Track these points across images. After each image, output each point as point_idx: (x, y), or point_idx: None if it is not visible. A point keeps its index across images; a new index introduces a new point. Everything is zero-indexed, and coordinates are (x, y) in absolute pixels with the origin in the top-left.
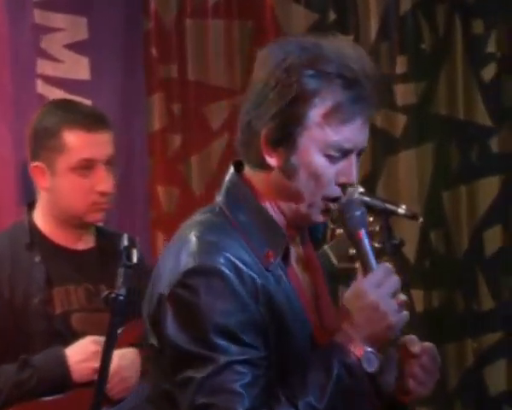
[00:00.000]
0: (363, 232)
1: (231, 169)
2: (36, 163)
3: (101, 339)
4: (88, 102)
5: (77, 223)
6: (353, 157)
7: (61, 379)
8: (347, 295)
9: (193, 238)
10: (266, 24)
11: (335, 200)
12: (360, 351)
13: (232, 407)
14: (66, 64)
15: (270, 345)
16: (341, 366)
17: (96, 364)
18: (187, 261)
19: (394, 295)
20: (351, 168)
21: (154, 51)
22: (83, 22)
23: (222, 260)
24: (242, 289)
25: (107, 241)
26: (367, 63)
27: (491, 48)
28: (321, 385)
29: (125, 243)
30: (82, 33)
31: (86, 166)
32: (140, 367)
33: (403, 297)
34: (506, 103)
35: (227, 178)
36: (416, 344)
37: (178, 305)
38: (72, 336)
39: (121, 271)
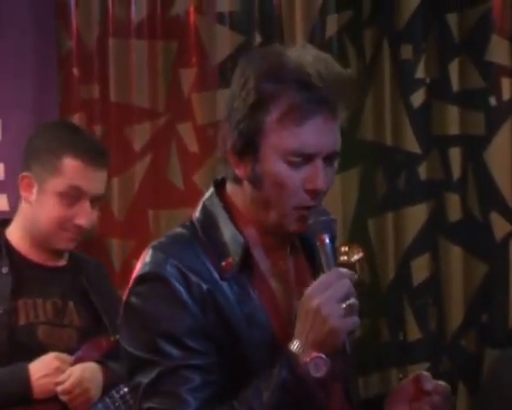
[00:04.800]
0: (326, 237)
1: (211, 187)
2: (26, 174)
3: (64, 356)
4: None
5: (46, 245)
6: (319, 162)
7: (22, 394)
8: (301, 299)
9: (150, 249)
10: (190, 45)
11: (307, 208)
12: (307, 356)
13: None
14: None
15: (221, 351)
16: (287, 370)
17: (57, 379)
18: (139, 269)
19: (342, 299)
20: (317, 174)
21: (74, 71)
22: None
23: (169, 268)
24: (188, 296)
25: (78, 262)
26: (326, 66)
27: (420, 73)
28: (265, 390)
29: None
30: None
31: (73, 196)
32: (102, 382)
33: (352, 302)
34: (435, 130)
35: (205, 195)
36: (428, 381)
37: (129, 311)
38: (37, 348)
39: None
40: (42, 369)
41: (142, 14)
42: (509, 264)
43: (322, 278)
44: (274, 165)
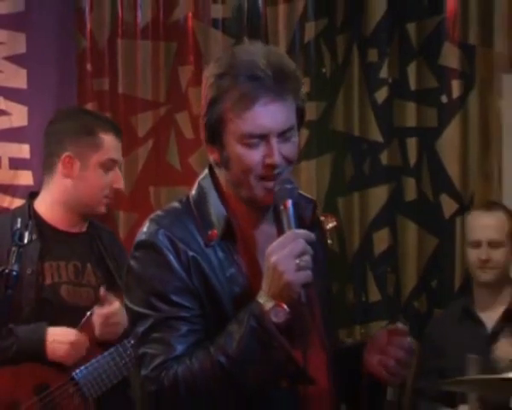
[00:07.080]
0: (290, 203)
1: (206, 168)
2: (67, 153)
3: (82, 340)
4: (24, 108)
5: (86, 212)
6: (273, 140)
7: (35, 352)
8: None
9: (148, 221)
10: (188, 46)
11: (271, 180)
12: (268, 305)
13: (162, 355)
14: (4, 74)
15: (204, 306)
16: (252, 317)
17: (68, 349)
18: (137, 237)
19: (297, 256)
20: (271, 150)
21: (88, 66)
22: (21, 37)
23: (160, 237)
24: (176, 261)
25: (95, 230)
26: (272, 58)
27: (383, 74)
28: (233, 333)
29: (18, 225)
30: (20, 47)
31: (110, 166)
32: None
33: (305, 259)
34: (395, 122)
35: (201, 175)
36: (404, 336)
37: (128, 272)
38: (60, 305)
39: (14, 250)
40: (59, 335)
41: (147, 19)
42: (455, 238)
43: (281, 237)
44: (234, 148)
